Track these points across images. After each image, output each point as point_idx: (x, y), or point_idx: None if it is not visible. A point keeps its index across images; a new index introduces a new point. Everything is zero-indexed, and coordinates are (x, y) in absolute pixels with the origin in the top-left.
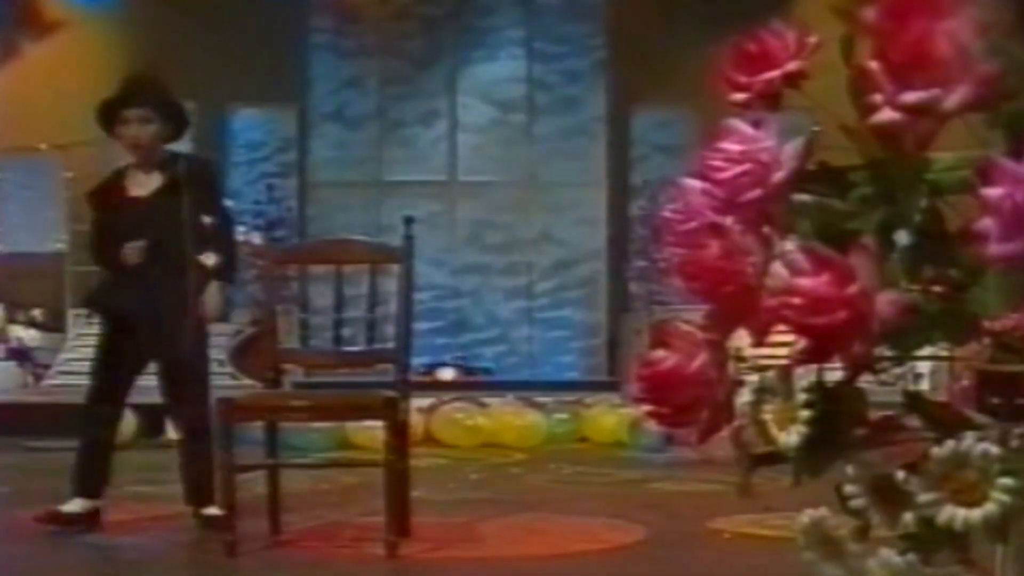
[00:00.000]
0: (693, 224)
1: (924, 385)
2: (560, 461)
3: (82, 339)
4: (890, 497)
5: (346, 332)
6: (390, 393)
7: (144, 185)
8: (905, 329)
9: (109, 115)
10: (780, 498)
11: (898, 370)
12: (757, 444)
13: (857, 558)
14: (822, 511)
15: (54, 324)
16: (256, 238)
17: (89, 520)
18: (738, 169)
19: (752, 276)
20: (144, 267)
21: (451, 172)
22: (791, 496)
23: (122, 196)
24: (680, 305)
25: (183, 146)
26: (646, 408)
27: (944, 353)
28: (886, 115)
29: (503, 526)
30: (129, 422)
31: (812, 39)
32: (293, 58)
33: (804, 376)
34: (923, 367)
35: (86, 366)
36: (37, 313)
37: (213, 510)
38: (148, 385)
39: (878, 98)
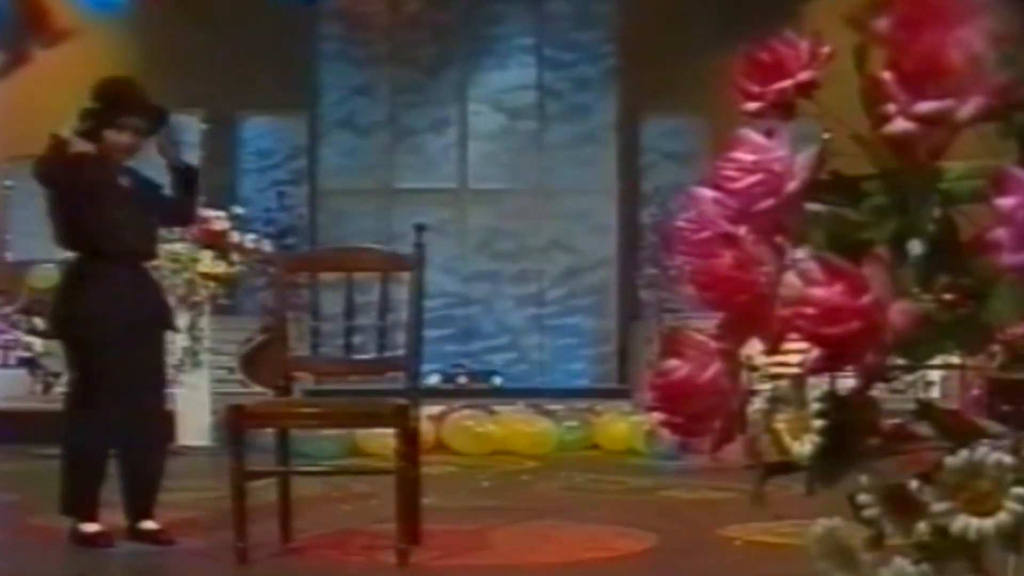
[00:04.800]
0: (706, 233)
1: (935, 393)
2: (571, 469)
3: None
4: (903, 506)
5: (357, 340)
6: (401, 400)
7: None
8: (918, 339)
9: (105, 117)
10: (793, 506)
11: (909, 378)
12: (770, 453)
13: (870, 567)
14: (835, 520)
15: None
16: (267, 245)
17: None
18: (751, 179)
19: (765, 286)
20: (121, 258)
21: (461, 179)
22: (804, 505)
23: (108, 179)
24: (690, 313)
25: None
26: (659, 417)
27: (957, 362)
28: (899, 125)
29: (514, 534)
30: None
31: (825, 49)
32: (303, 66)
33: (817, 385)
34: (934, 375)
35: None
36: (39, 322)
37: (151, 524)
38: None
39: (891, 108)
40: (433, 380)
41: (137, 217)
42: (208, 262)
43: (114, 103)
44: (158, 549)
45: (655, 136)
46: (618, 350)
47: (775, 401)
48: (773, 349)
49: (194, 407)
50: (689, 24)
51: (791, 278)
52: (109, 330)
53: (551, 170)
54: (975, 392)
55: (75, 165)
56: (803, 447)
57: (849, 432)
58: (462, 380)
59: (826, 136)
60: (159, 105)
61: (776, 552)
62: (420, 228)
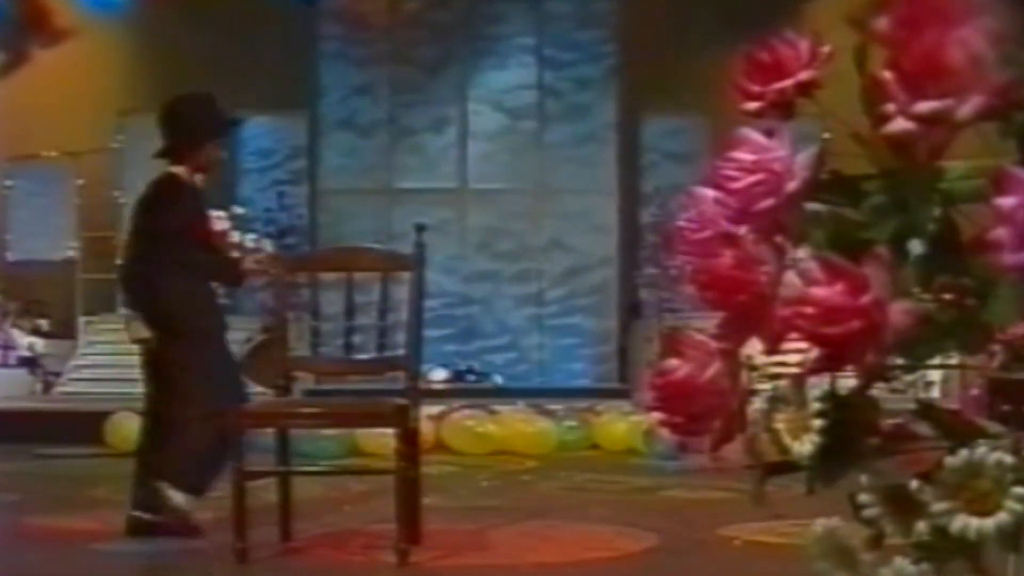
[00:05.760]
0: (706, 233)
1: (935, 393)
2: (571, 468)
3: (92, 346)
4: (903, 506)
5: (357, 339)
6: (401, 400)
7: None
8: (918, 338)
9: (218, 131)
10: (793, 506)
11: (909, 377)
12: (770, 453)
13: (870, 567)
14: (835, 520)
15: (64, 331)
16: (267, 246)
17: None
18: (751, 179)
19: (765, 285)
20: None
21: (461, 179)
22: (804, 504)
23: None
24: (690, 312)
25: None
26: (659, 417)
27: (957, 362)
28: (899, 125)
29: (514, 533)
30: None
31: (825, 48)
32: (303, 65)
33: (817, 385)
34: (934, 375)
35: (96, 373)
36: (43, 323)
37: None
38: None
39: (891, 108)
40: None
41: None
42: None
43: (219, 121)
44: (154, 548)
45: (655, 136)
46: (618, 350)
47: (775, 401)
48: (773, 349)
49: None
50: (690, 24)
51: (791, 278)
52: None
53: (551, 170)
54: (975, 392)
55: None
56: (803, 447)
57: (849, 432)
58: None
59: (826, 136)
60: (239, 117)
61: (776, 552)
62: (420, 228)
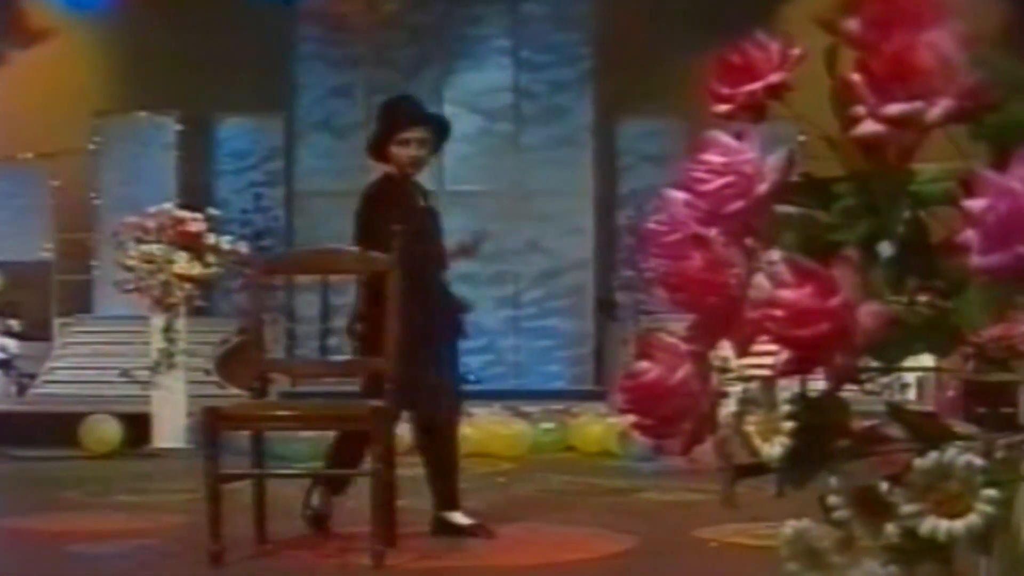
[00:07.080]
0: (677, 235)
1: (910, 395)
2: (547, 471)
3: (67, 348)
4: (873, 508)
5: (333, 342)
6: (376, 403)
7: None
8: (888, 341)
9: (388, 135)
10: (769, 508)
11: (884, 380)
12: (741, 455)
13: (840, 569)
14: (805, 522)
15: (39, 333)
16: (243, 247)
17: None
18: (721, 181)
19: (735, 288)
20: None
21: (438, 181)
22: (780, 506)
23: (412, 203)
24: (666, 314)
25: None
26: (630, 419)
27: (931, 364)
28: (869, 127)
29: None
30: (115, 431)
31: (796, 51)
32: (280, 67)
33: (787, 387)
34: (909, 377)
35: (71, 375)
36: (14, 323)
37: (458, 517)
38: (133, 394)
39: (861, 110)
40: None
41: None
42: (184, 263)
43: (393, 120)
44: (129, 551)
45: (631, 138)
46: (594, 352)
47: (745, 403)
48: (743, 351)
49: (170, 409)
50: (666, 26)
51: (761, 280)
52: None
53: (527, 172)
54: (951, 394)
55: (382, 187)
56: (773, 449)
57: (819, 434)
58: None
59: (802, 138)
60: (437, 115)
61: (752, 554)
62: (397, 230)
